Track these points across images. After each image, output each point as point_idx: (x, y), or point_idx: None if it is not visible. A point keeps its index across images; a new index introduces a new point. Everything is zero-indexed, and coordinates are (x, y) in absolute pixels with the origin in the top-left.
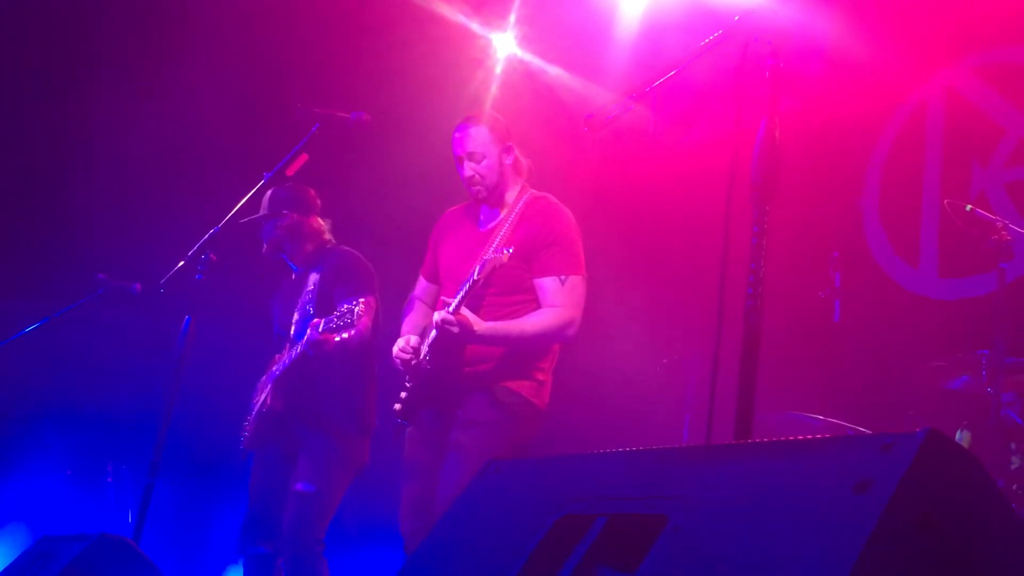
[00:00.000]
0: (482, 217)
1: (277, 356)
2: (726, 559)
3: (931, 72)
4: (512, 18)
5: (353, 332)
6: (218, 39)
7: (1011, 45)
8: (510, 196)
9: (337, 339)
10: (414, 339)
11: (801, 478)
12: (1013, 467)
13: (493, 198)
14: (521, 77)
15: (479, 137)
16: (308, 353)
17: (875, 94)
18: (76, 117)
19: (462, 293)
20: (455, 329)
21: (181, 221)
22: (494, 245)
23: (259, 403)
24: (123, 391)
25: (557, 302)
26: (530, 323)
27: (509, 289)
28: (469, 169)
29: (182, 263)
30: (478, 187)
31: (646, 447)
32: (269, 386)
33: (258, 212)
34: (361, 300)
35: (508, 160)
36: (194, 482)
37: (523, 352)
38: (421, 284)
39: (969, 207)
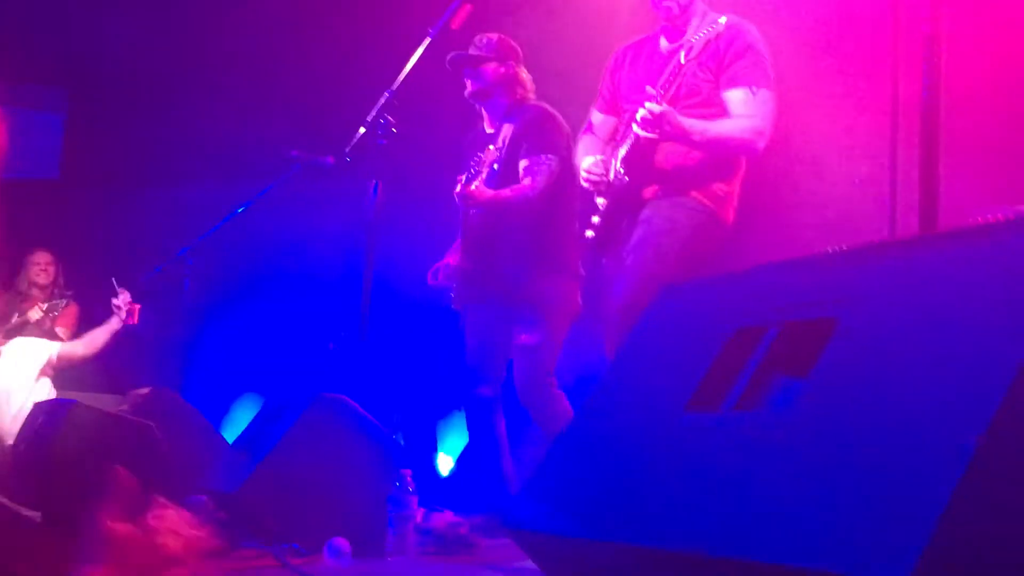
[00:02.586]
0: (664, 41)
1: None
2: (899, 354)
3: None
4: None
5: (514, 193)
6: None
7: None
8: (695, 20)
9: (501, 197)
10: (602, 157)
11: (978, 265)
12: None
13: (681, 18)
14: None
15: None
16: (474, 210)
17: None
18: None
19: (663, 81)
20: (666, 125)
21: (353, 88)
22: (681, 59)
23: (456, 262)
24: (328, 260)
25: (749, 112)
26: (726, 126)
27: (700, 103)
28: None
29: (363, 130)
30: (671, 4)
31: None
32: (459, 245)
33: (470, 53)
34: (541, 157)
35: None
36: (401, 339)
37: (713, 162)
38: (595, 117)
39: None
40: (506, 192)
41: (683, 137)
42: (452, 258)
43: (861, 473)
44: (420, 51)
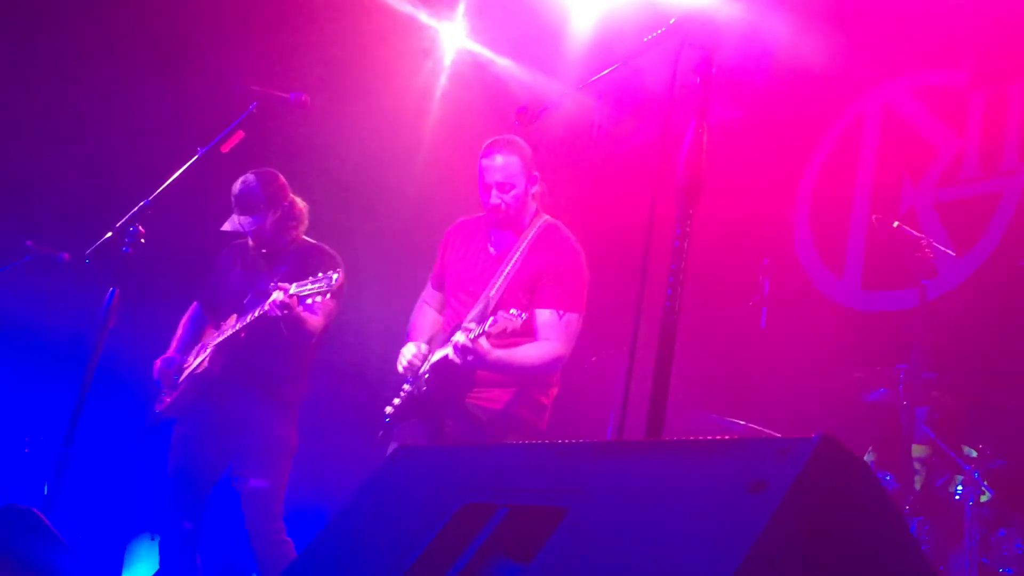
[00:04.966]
0: (494, 239)
1: (216, 325)
2: (620, 553)
3: (870, 87)
4: (460, 9)
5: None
6: (157, 9)
7: (946, 68)
8: (525, 221)
9: (309, 301)
10: (424, 347)
11: (699, 477)
12: (919, 479)
13: (511, 225)
14: (470, 68)
15: (511, 168)
16: (274, 314)
17: (814, 104)
18: (6, 81)
19: (480, 330)
20: (471, 357)
21: (112, 192)
22: (505, 272)
23: (192, 367)
24: (46, 360)
25: (551, 336)
26: (529, 355)
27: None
28: (496, 198)
29: (110, 234)
30: (501, 215)
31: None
32: (209, 350)
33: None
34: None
35: (533, 190)
36: (110, 454)
37: (520, 382)
38: (429, 290)
39: (896, 223)
40: (317, 297)
41: (489, 367)
42: (179, 354)
43: None
44: (184, 167)
